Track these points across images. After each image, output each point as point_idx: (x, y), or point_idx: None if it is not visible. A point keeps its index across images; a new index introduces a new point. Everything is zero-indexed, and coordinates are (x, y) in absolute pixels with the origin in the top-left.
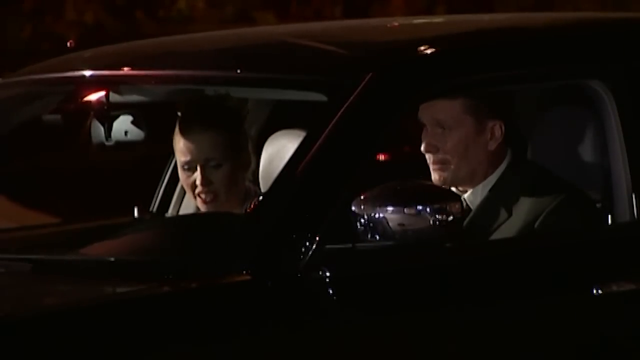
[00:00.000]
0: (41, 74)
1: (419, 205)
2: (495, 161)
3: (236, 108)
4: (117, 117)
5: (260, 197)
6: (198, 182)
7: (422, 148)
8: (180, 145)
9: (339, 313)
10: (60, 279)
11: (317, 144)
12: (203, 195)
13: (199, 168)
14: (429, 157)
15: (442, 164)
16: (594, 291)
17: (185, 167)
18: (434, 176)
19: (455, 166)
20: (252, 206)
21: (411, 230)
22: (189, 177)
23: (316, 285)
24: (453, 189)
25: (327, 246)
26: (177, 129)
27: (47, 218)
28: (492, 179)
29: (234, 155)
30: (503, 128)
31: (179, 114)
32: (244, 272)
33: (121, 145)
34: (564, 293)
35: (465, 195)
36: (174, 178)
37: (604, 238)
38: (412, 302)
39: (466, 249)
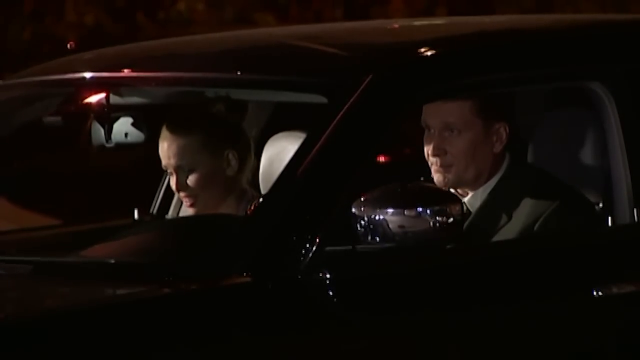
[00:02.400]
0: (41, 76)
1: (419, 207)
2: (498, 164)
3: (216, 111)
4: (117, 119)
5: (261, 199)
6: (174, 187)
7: (429, 151)
8: (160, 150)
9: (339, 315)
10: (61, 281)
11: (317, 145)
12: (182, 199)
13: (174, 172)
14: (434, 160)
15: (447, 167)
16: (595, 293)
17: (165, 169)
18: (438, 178)
19: (462, 169)
20: (252, 208)
21: (411, 232)
22: (171, 180)
23: (316, 287)
24: (452, 190)
25: (328, 248)
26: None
27: (48, 220)
28: (492, 182)
29: (205, 161)
30: (507, 130)
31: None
32: (245, 274)
33: (121, 147)
34: (564, 295)
35: (466, 199)
36: None
37: (603, 240)
38: (413, 304)
39: (466, 250)
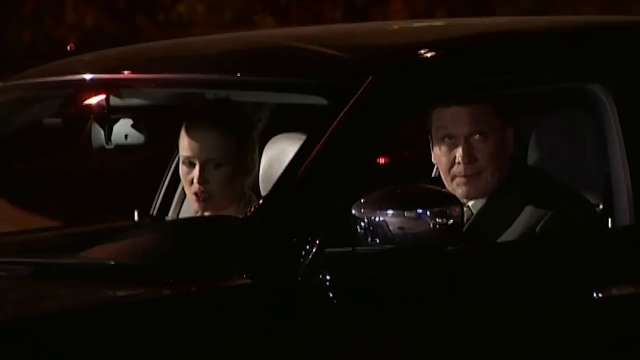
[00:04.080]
0: (41, 78)
1: (419, 208)
2: (506, 167)
3: (246, 113)
4: (117, 120)
5: (261, 201)
6: (195, 180)
7: (459, 160)
8: (185, 141)
9: (339, 317)
10: (61, 282)
11: (318, 147)
12: (198, 193)
13: (198, 166)
14: (461, 169)
15: (475, 175)
16: (595, 295)
17: (186, 162)
18: (466, 190)
19: (489, 174)
20: (252, 209)
21: (411, 233)
22: (188, 173)
23: (317, 288)
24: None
25: (328, 250)
26: (184, 125)
27: (48, 222)
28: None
29: (235, 158)
30: (515, 133)
31: (189, 110)
32: (245, 275)
33: (121, 148)
34: (565, 297)
35: (471, 203)
36: (174, 182)
37: (604, 242)
38: (413, 306)
39: (467, 252)
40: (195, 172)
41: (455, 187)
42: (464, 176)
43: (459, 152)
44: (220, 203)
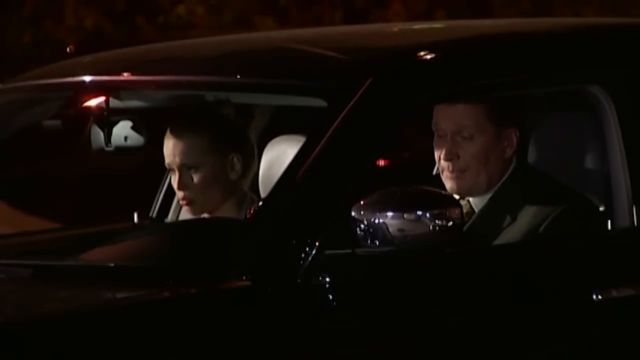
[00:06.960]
0: (41, 80)
1: (419, 210)
2: (506, 168)
3: (225, 114)
4: (116, 122)
5: (260, 203)
6: (175, 186)
7: (442, 156)
8: (165, 148)
9: (339, 319)
10: (60, 284)
11: (317, 149)
12: (181, 199)
13: (177, 171)
14: (446, 165)
15: (460, 172)
16: (594, 297)
17: (169, 168)
18: (450, 185)
19: (474, 174)
20: (251, 211)
21: (411, 235)
22: (173, 179)
23: (316, 291)
24: (456, 196)
25: (327, 252)
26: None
27: (47, 224)
28: (497, 186)
29: (212, 160)
30: (518, 135)
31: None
32: (244, 278)
33: (121, 150)
34: (565, 299)
35: (471, 200)
36: None
37: (605, 244)
38: (412, 308)
39: (466, 254)
40: (175, 178)
41: (444, 181)
42: (448, 171)
43: (445, 148)
44: (207, 205)
